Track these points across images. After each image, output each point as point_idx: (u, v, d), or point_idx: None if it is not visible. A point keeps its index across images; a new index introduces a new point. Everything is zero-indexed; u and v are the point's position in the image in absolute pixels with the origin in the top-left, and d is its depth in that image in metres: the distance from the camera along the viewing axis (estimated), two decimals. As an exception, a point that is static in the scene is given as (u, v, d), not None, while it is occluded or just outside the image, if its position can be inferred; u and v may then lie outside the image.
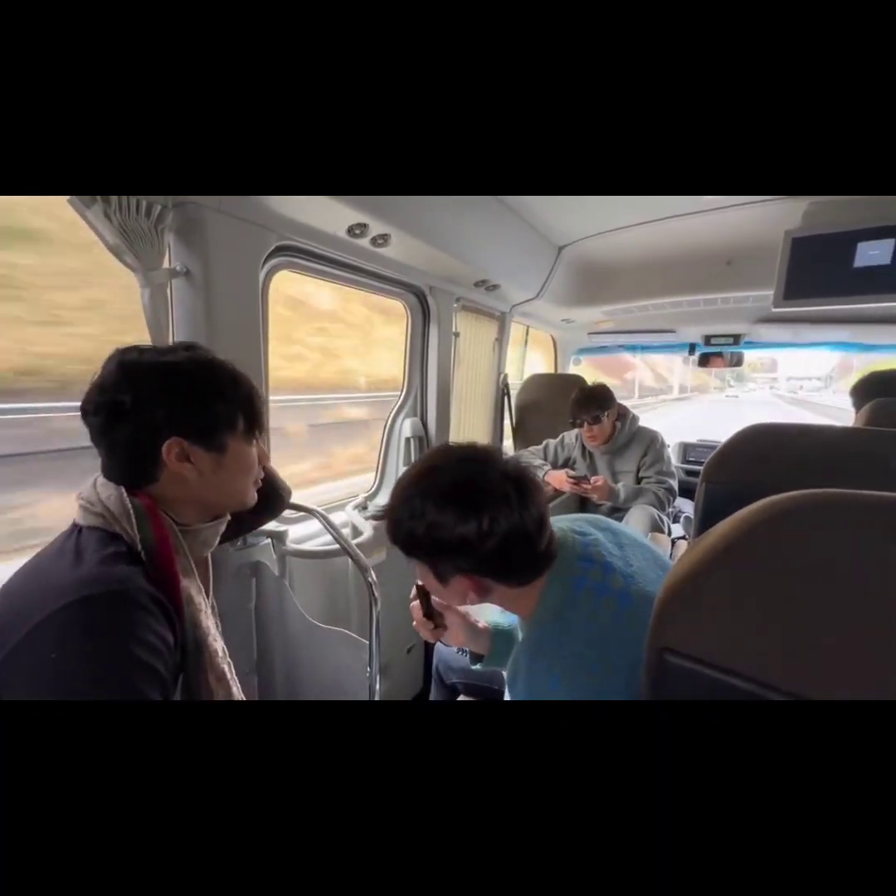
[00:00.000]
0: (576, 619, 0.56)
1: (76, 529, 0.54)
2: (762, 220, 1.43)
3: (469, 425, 1.93)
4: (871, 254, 1.18)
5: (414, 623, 0.79)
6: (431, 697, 1.20)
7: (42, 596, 0.45)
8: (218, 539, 0.66)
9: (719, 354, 2.42)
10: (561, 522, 0.68)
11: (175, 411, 0.54)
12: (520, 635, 0.70)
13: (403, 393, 1.63)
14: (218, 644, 0.61)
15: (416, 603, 0.76)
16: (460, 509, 0.53)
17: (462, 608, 0.76)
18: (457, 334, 1.69)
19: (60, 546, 0.52)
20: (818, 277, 1.26)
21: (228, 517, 0.67)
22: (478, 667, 0.82)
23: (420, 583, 0.72)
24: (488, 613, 0.83)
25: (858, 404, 1.39)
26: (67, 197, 0.71)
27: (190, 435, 0.56)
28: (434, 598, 0.75)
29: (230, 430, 0.59)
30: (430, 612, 0.76)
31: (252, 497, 0.67)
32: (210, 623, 0.61)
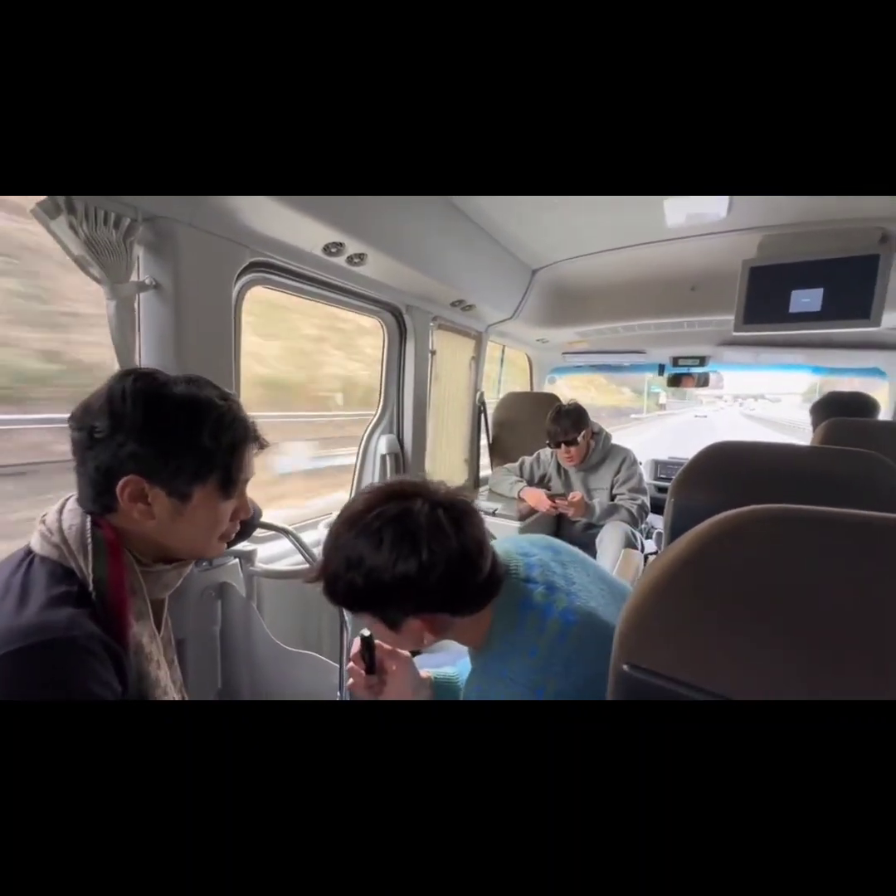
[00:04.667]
0: (521, 642, 0.56)
1: (29, 558, 0.51)
2: (722, 249, 1.51)
3: (445, 442, 1.93)
4: (803, 301, 1.29)
5: (349, 683, 0.70)
6: None
7: None
8: (180, 581, 0.62)
9: (689, 374, 2.53)
10: (504, 543, 0.67)
11: (143, 448, 0.51)
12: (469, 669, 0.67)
13: (379, 410, 1.63)
14: (167, 698, 0.57)
15: (357, 655, 0.69)
16: (397, 548, 0.51)
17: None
18: (433, 352, 1.71)
19: (7, 579, 0.49)
20: (774, 304, 1.35)
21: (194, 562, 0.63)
22: None
23: (365, 632, 0.66)
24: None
25: (816, 423, 1.47)
26: (31, 208, 0.69)
27: (153, 475, 0.52)
28: (378, 649, 0.69)
29: (199, 479, 0.55)
30: (372, 667, 0.68)
31: (215, 551, 0.62)
32: (160, 673, 0.56)
